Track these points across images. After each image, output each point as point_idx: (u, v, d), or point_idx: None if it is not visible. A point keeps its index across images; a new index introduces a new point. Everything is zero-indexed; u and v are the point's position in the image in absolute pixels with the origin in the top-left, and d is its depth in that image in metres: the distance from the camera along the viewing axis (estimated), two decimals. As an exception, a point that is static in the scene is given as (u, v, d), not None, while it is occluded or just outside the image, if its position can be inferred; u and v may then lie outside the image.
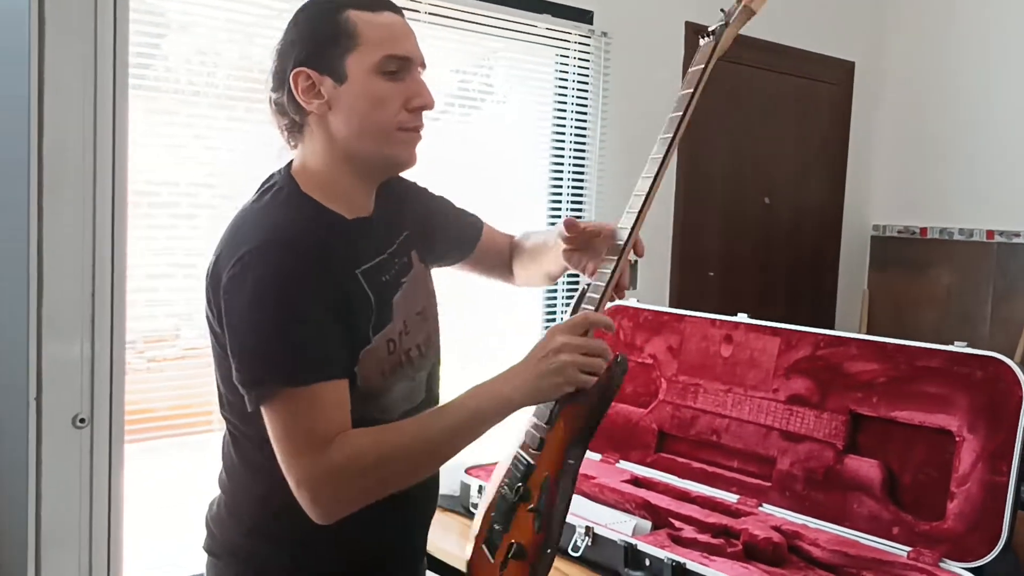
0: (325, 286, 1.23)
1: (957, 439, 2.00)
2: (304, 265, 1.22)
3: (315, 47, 1.27)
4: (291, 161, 1.38)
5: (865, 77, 4.54)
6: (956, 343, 2.07)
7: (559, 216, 3.22)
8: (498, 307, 3.22)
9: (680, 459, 2.47)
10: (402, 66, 1.30)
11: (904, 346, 2.14)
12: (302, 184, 1.33)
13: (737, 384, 2.42)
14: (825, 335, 2.30)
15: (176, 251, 2.62)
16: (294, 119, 1.33)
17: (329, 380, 1.21)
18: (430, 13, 2.87)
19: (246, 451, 1.33)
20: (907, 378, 2.11)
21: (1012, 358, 4.04)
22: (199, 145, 2.65)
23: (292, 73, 1.28)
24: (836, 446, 2.18)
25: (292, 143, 1.37)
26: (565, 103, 3.18)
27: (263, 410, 1.20)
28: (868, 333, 4.58)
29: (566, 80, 3.17)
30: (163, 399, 2.67)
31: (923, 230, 4.50)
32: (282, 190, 1.32)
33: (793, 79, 4.22)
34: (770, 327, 2.40)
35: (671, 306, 3.69)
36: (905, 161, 4.60)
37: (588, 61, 3.19)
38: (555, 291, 3.25)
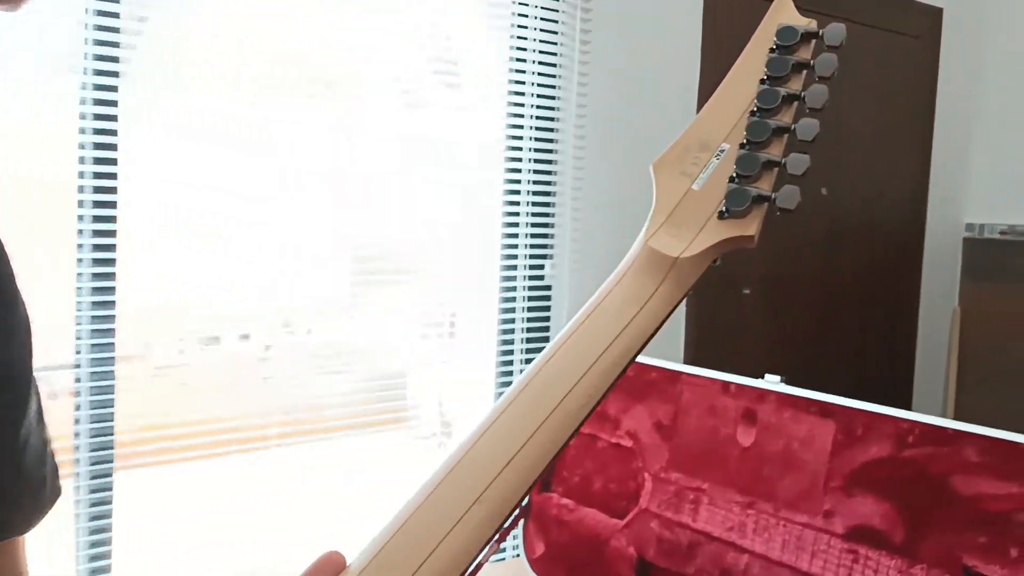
0: None
1: None
2: None
3: None
4: None
5: (956, 29, 3.67)
6: None
7: (515, 222, 2.26)
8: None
9: (672, 610, 1.53)
10: None
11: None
12: None
13: (764, 496, 1.46)
14: (916, 422, 1.31)
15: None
16: None
17: None
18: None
19: None
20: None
21: None
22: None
23: None
24: (938, 630, 1.20)
25: None
26: (525, 48, 2.23)
27: None
28: (960, 365, 3.67)
29: (526, 18, 2.22)
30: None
31: None
32: None
33: (861, 29, 3.27)
34: (817, 401, 1.43)
35: (688, 336, 2.71)
36: (1009, 140, 3.73)
37: (557, 22, 2.25)
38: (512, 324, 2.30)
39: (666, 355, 2.08)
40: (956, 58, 3.69)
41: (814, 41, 0.64)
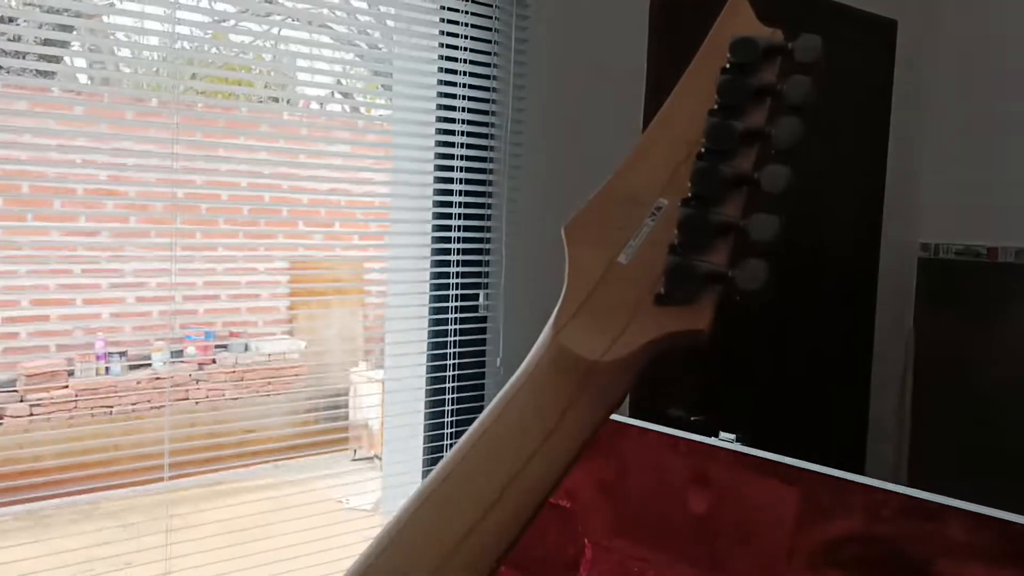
0: None
1: None
2: None
3: None
4: None
5: (910, 42, 3.52)
6: None
7: (448, 248, 2.07)
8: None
9: None
10: None
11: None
12: None
13: (720, 570, 1.28)
14: (893, 492, 1.14)
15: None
16: None
17: None
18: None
19: None
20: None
21: None
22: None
23: None
24: None
25: None
26: (455, 77, 2.03)
27: None
28: (916, 390, 3.55)
29: (457, 26, 2.02)
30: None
31: (992, 251, 3.47)
32: None
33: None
34: (778, 464, 1.25)
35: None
36: (966, 156, 3.56)
37: (490, 29, 2.06)
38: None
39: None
40: (910, 73, 3.56)
41: (780, 58, 0.46)
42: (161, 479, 1.84)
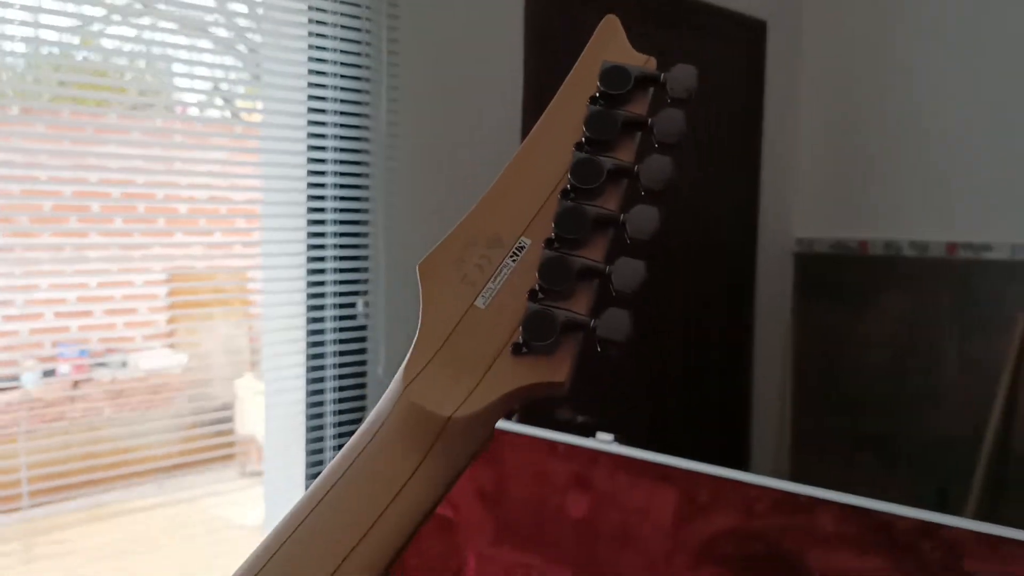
0: None
1: None
2: None
3: None
4: None
5: (780, 42, 3.58)
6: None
7: (322, 255, 2.02)
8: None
9: None
10: None
11: (937, 527, 1.01)
12: None
13: (603, 573, 1.27)
14: (765, 488, 1.15)
15: None
16: None
17: None
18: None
19: None
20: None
21: (990, 410, 3.13)
22: None
23: None
24: None
25: None
26: (325, 87, 1.98)
27: None
28: (795, 382, 3.64)
29: (324, 58, 1.97)
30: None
31: (863, 244, 3.58)
32: None
33: (684, 37, 3.19)
34: (655, 464, 1.25)
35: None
36: (836, 154, 3.68)
37: (360, 30, 2.01)
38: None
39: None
40: (781, 72, 3.62)
41: (652, 89, 0.44)
42: (18, 509, 1.74)
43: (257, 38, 2.08)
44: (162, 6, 1.88)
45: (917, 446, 3.27)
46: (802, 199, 3.76)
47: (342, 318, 2.03)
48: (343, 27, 1.98)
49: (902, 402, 3.31)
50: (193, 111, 2.20)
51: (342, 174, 2.01)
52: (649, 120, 0.42)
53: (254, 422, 4.77)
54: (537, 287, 0.40)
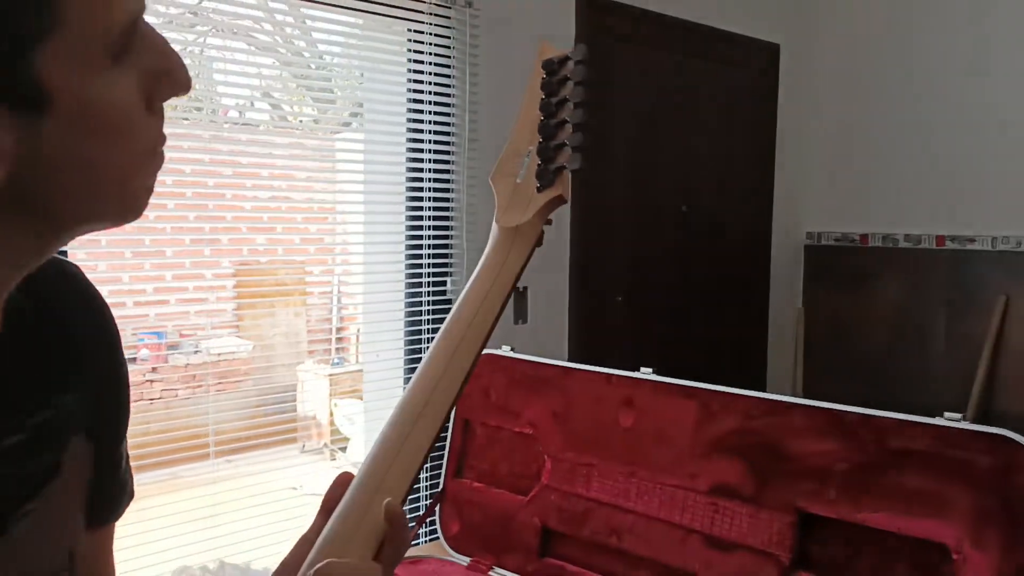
0: None
1: (955, 556, 1.37)
2: None
3: None
4: None
5: (792, 63, 3.99)
6: (947, 415, 1.43)
7: (419, 226, 2.52)
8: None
9: (571, 566, 1.85)
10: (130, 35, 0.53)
11: (871, 417, 1.50)
12: None
13: (642, 465, 1.77)
14: (758, 398, 1.65)
15: None
16: None
17: None
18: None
19: None
20: (879, 464, 1.48)
21: (972, 380, 3.55)
22: None
23: None
24: (780, 559, 1.56)
25: None
26: (422, 91, 2.48)
27: None
28: (805, 358, 4.07)
29: (422, 64, 2.48)
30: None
31: (863, 237, 4.00)
32: None
33: (706, 64, 3.60)
34: (682, 386, 1.75)
35: (572, 338, 3.02)
36: (840, 159, 4.09)
37: (450, 37, 2.50)
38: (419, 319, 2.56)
39: (555, 355, 2.38)
40: (792, 89, 3.98)
41: (570, 62, 0.85)
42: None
43: (356, 64, 2.58)
44: (217, 16, 2.31)
45: (908, 412, 3.67)
46: (811, 199, 4.15)
47: (435, 294, 2.54)
48: (437, 33, 2.46)
49: (897, 373, 3.73)
50: (255, 115, 2.57)
51: (436, 171, 2.50)
52: (567, 75, 0.84)
53: (313, 404, 5.15)
54: (539, 162, 0.83)
